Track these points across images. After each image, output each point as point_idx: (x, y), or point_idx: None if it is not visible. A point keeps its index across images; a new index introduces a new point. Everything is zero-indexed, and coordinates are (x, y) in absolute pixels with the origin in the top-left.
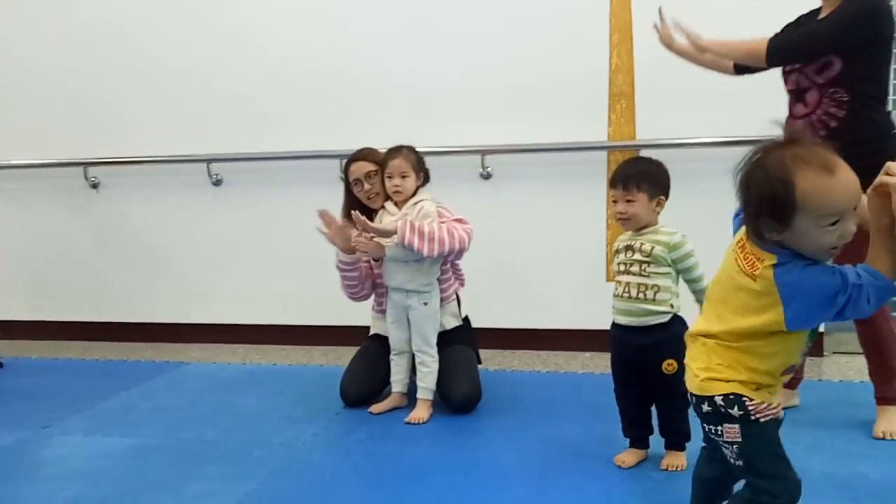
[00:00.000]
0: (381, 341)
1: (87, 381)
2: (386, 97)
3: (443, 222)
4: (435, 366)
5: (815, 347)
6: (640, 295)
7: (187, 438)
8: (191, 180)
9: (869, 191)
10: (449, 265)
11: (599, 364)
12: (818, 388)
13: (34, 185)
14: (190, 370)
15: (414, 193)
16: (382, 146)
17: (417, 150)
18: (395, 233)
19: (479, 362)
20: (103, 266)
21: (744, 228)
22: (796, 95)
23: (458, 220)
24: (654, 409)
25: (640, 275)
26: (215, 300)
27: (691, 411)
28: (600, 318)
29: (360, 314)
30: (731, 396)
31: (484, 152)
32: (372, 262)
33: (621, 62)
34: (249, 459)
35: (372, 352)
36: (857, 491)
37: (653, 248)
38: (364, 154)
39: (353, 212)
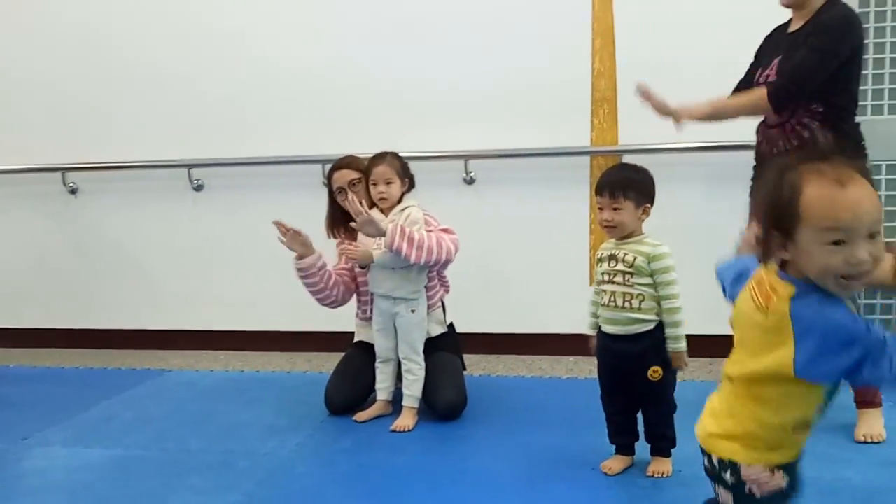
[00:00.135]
0: (366, 348)
1: (67, 391)
2: (369, 102)
3: (430, 230)
4: (421, 373)
5: None
6: (626, 304)
7: (171, 449)
8: (171, 185)
9: None
10: (435, 272)
11: (584, 368)
12: None
13: (11, 191)
14: (172, 378)
15: (400, 200)
16: (365, 151)
17: (401, 155)
18: (385, 232)
19: (464, 369)
20: (82, 272)
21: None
22: None
23: (445, 230)
24: (640, 415)
25: (625, 284)
26: (197, 306)
27: (677, 417)
28: (584, 322)
29: (343, 320)
30: (727, 461)
31: (467, 157)
32: (357, 269)
33: (603, 67)
34: (234, 470)
35: (356, 359)
36: (841, 496)
37: (635, 258)
38: (347, 162)
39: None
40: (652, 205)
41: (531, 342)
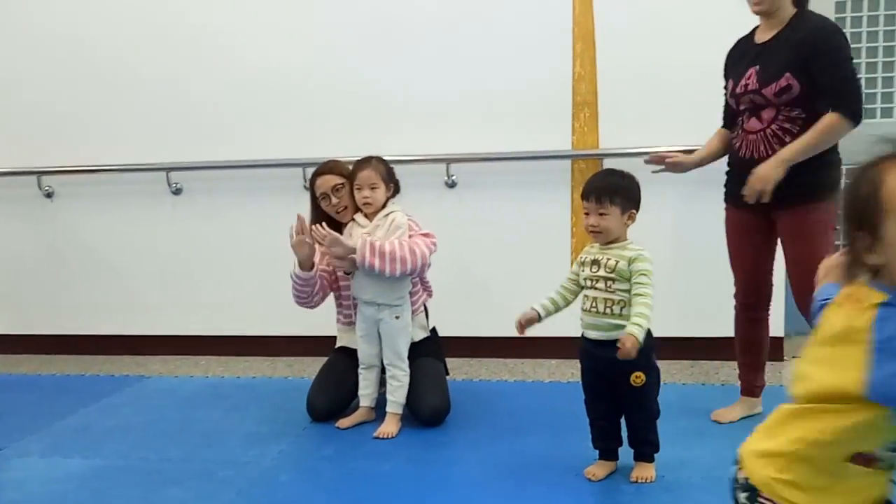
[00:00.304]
0: (348, 354)
1: (44, 398)
2: (350, 105)
3: (411, 235)
4: (406, 380)
5: (776, 352)
6: (607, 310)
7: (150, 458)
8: (149, 189)
9: None
10: (417, 277)
11: (566, 372)
12: (779, 394)
13: None
14: (151, 384)
15: (385, 205)
16: (346, 155)
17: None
18: (354, 250)
19: (447, 374)
20: (59, 277)
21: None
22: (751, 111)
23: (425, 235)
24: (623, 420)
25: (607, 290)
26: (176, 311)
27: (659, 420)
28: (565, 325)
29: (324, 324)
30: (749, 483)
31: (449, 161)
32: (340, 274)
33: (584, 71)
34: (215, 479)
35: (339, 365)
36: None
37: (617, 263)
38: (330, 167)
39: (314, 226)
40: (637, 211)
41: (513, 345)
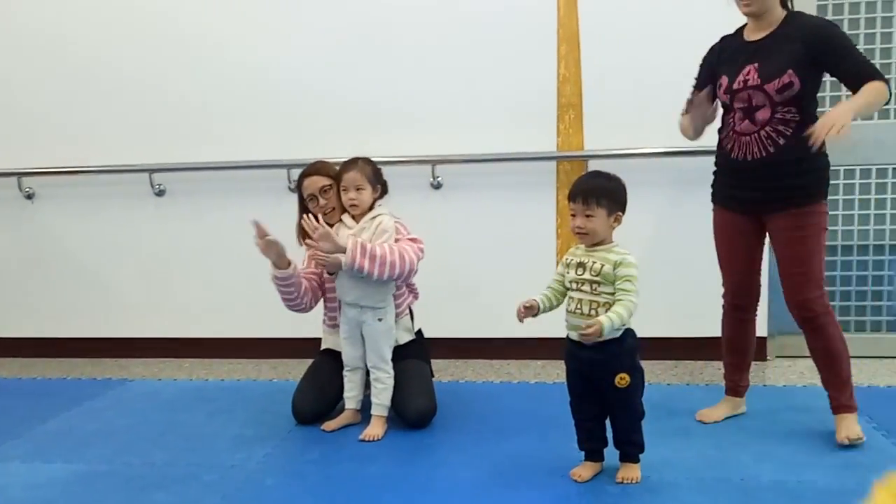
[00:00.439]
0: (333, 356)
1: (25, 402)
2: (335, 106)
3: (398, 239)
4: (390, 382)
5: (759, 352)
6: (592, 312)
7: (134, 463)
8: (132, 191)
9: None
10: (402, 282)
11: (551, 373)
12: (763, 394)
13: None
14: (134, 388)
15: (372, 206)
16: (331, 156)
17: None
18: (344, 249)
19: (433, 375)
20: (39, 280)
21: None
22: (745, 112)
23: (412, 240)
24: (608, 421)
25: (592, 293)
26: (159, 314)
27: (644, 422)
28: (551, 326)
29: (308, 326)
30: None
31: (434, 162)
32: (325, 274)
33: (569, 73)
34: (200, 484)
35: (324, 367)
36: (806, 499)
37: (602, 266)
38: (317, 168)
39: (305, 216)
40: (623, 213)
41: (499, 347)
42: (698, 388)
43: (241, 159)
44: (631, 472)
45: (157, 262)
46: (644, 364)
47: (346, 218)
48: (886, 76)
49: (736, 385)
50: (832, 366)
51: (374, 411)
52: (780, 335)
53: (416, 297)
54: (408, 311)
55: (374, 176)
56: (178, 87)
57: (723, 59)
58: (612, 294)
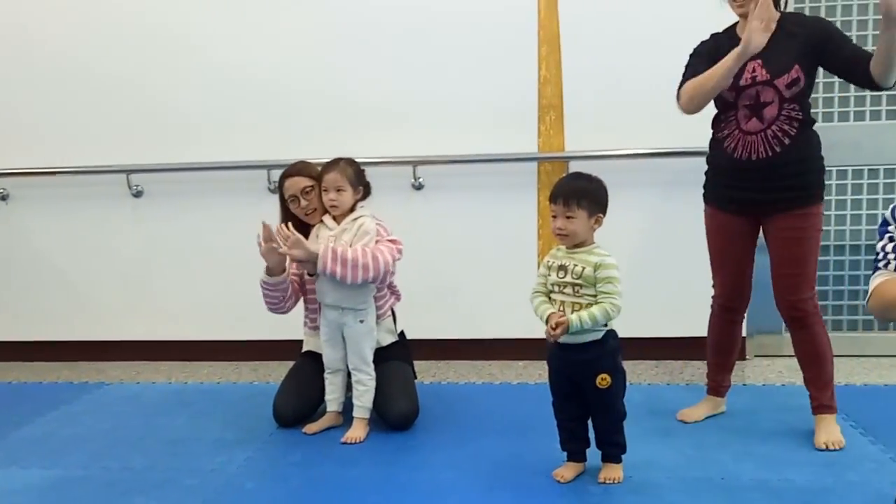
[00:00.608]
0: (315, 358)
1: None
2: (316, 106)
3: (378, 241)
4: (372, 384)
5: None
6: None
7: (113, 468)
8: (109, 192)
9: None
10: (381, 284)
11: (533, 374)
12: (743, 393)
13: None
14: (112, 391)
15: (353, 208)
16: (312, 156)
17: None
18: (316, 256)
19: (415, 377)
20: (14, 282)
21: None
22: (752, 110)
23: (392, 241)
24: (590, 422)
25: (574, 295)
26: (137, 316)
27: (626, 421)
28: (532, 326)
29: (288, 328)
30: None
31: (416, 163)
32: (306, 276)
33: (550, 74)
34: (180, 488)
35: (305, 370)
36: (786, 497)
37: (583, 269)
38: (298, 169)
39: (279, 225)
40: (604, 215)
41: (481, 348)
42: (679, 388)
43: (220, 160)
44: (613, 473)
45: (134, 264)
46: (625, 364)
47: (326, 219)
48: None
49: (718, 385)
50: (817, 366)
51: (355, 413)
52: (759, 334)
53: (398, 299)
54: (390, 312)
55: (356, 177)
56: (156, 87)
57: (720, 55)
58: (594, 296)
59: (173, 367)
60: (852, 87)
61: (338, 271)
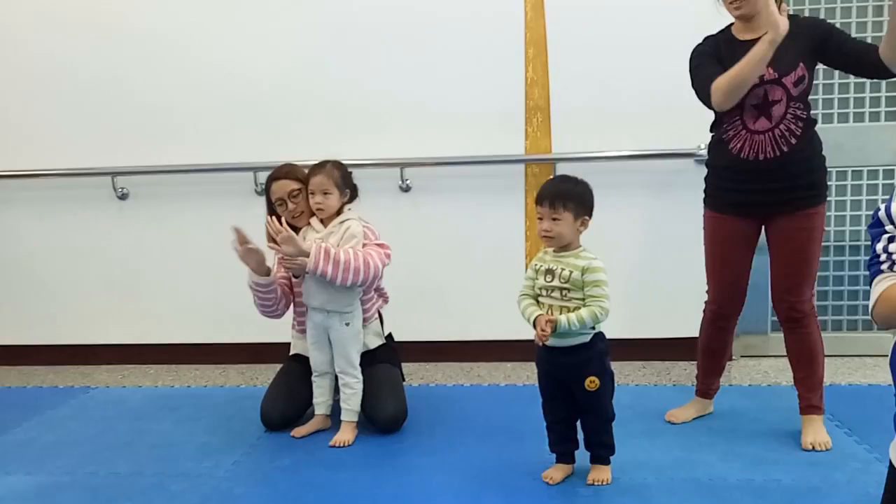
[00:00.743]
0: (303, 361)
1: None
2: (303, 108)
3: (366, 244)
4: (359, 387)
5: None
6: None
7: (98, 473)
8: (94, 194)
9: None
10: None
11: (521, 375)
12: (729, 393)
13: None
14: (97, 396)
15: (340, 210)
16: (298, 158)
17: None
18: (307, 254)
19: (403, 380)
20: None
21: None
22: (759, 109)
23: (380, 245)
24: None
25: (562, 299)
26: (123, 319)
27: (615, 423)
28: (520, 328)
29: (276, 331)
30: None
31: (403, 165)
32: (292, 279)
33: (537, 76)
34: (167, 494)
35: (293, 373)
36: (773, 498)
37: (571, 273)
38: (285, 172)
39: (269, 218)
40: (590, 217)
41: (469, 349)
42: (666, 389)
43: (206, 162)
44: (602, 474)
45: (120, 267)
46: (613, 365)
47: (314, 222)
48: None
49: (707, 388)
50: (809, 366)
51: (343, 417)
52: (745, 335)
53: (385, 301)
54: (377, 315)
55: (343, 180)
56: (142, 88)
57: (722, 56)
58: (583, 300)
59: (159, 370)
60: (852, 88)
61: (329, 272)
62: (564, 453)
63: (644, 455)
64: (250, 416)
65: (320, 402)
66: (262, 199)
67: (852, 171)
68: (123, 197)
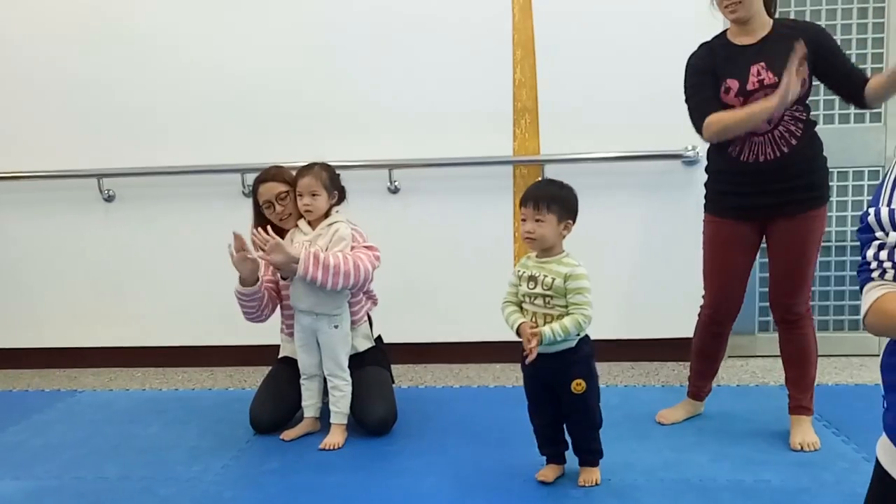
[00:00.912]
0: (291, 364)
1: None
2: (291, 110)
3: (354, 247)
4: (348, 389)
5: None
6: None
7: (86, 477)
8: (80, 196)
9: None
10: (358, 291)
11: (511, 376)
12: (717, 394)
13: None
14: (84, 399)
15: (328, 212)
16: (287, 160)
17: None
18: (297, 259)
19: (393, 382)
20: None
21: None
22: None
23: (369, 248)
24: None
25: (545, 306)
26: (110, 322)
27: (605, 422)
28: (509, 329)
29: (264, 333)
30: None
31: (391, 166)
32: (280, 282)
33: (524, 78)
34: (156, 498)
35: (282, 375)
36: (763, 498)
37: (553, 280)
38: (273, 174)
39: (256, 229)
40: (574, 222)
41: (458, 351)
42: (656, 389)
43: (193, 163)
44: (591, 476)
45: (106, 270)
46: (602, 365)
47: (302, 224)
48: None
49: (699, 390)
50: (802, 366)
51: (333, 419)
52: (732, 335)
53: (374, 304)
54: (366, 317)
55: (331, 182)
56: (129, 89)
57: (718, 62)
58: (565, 306)
59: (147, 373)
60: None
61: (319, 276)
62: (554, 455)
63: (634, 456)
64: (239, 419)
65: (309, 404)
66: (250, 201)
67: (838, 172)
68: (110, 199)
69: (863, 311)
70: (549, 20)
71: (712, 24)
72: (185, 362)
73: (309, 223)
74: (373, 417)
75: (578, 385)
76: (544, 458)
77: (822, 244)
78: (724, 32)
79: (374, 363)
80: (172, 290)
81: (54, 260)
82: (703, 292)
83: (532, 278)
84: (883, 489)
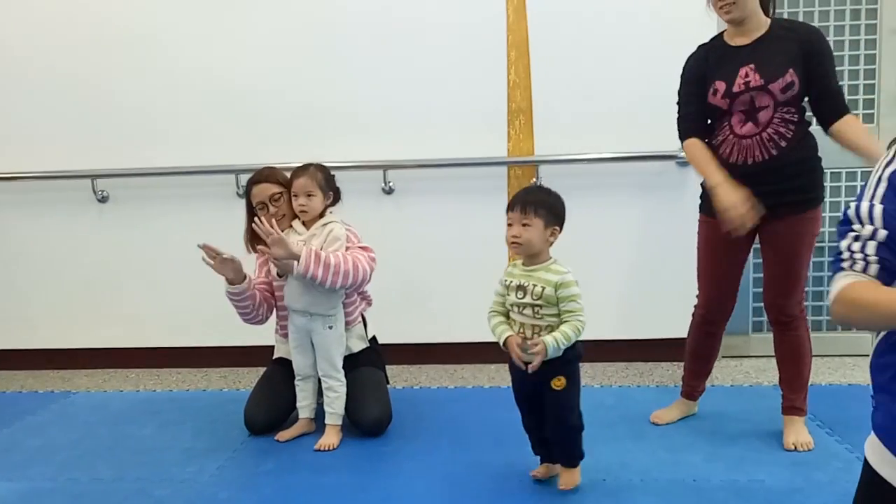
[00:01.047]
0: (286, 365)
1: None
2: (285, 110)
3: (349, 247)
4: (343, 390)
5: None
6: (535, 335)
7: (80, 479)
8: (73, 197)
9: None
10: (354, 291)
11: (505, 377)
12: (711, 394)
13: None
14: (78, 400)
15: (323, 213)
16: (281, 161)
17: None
18: (298, 256)
19: (388, 382)
20: None
21: None
22: (746, 114)
23: (364, 248)
24: None
25: (534, 317)
26: (103, 323)
27: (599, 424)
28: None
29: (258, 334)
30: None
31: (386, 167)
32: (274, 282)
33: (519, 79)
34: (151, 500)
35: (277, 377)
36: (757, 498)
37: (543, 289)
38: (266, 175)
39: (257, 219)
40: (561, 230)
41: (453, 351)
42: (650, 390)
43: (187, 164)
44: (572, 478)
45: (100, 271)
46: (596, 366)
47: (296, 224)
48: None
49: (693, 390)
50: (796, 367)
51: (327, 420)
52: (726, 335)
53: (368, 304)
54: (360, 318)
55: (326, 182)
56: (123, 90)
57: (710, 65)
58: (556, 316)
59: (141, 374)
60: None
61: (319, 274)
62: (547, 455)
63: (629, 456)
64: (234, 420)
65: (304, 405)
66: (244, 202)
67: (832, 172)
68: (103, 200)
69: (830, 299)
70: (543, 21)
71: (707, 24)
72: (180, 363)
73: (303, 224)
74: (367, 418)
75: (559, 381)
76: (538, 457)
77: (816, 245)
78: (722, 34)
79: (368, 364)
80: (166, 290)
81: (48, 261)
82: (696, 293)
83: (520, 287)
84: (871, 488)
